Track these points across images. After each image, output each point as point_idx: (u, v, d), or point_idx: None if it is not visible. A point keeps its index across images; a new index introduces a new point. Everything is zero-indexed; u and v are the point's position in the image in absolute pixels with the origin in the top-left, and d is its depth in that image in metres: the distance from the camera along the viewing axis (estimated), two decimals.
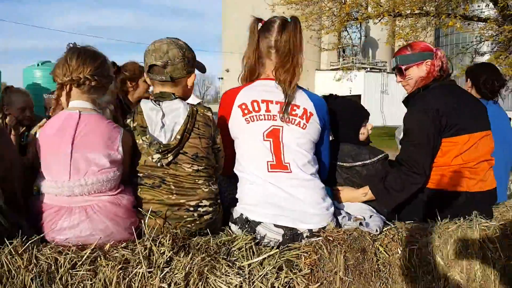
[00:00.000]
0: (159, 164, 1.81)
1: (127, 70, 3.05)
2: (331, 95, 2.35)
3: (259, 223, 1.84)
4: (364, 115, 2.29)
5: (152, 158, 1.81)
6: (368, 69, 36.52)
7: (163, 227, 1.76)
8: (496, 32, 8.53)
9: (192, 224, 1.83)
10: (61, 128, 1.71)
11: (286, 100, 1.91)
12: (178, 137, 1.81)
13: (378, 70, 36.98)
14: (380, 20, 9.54)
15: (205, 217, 1.85)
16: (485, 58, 10.13)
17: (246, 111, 1.94)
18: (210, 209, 1.86)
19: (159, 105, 1.88)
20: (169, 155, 1.80)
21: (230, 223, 1.94)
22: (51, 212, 1.69)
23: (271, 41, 1.97)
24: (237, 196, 1.96)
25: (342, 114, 2.22)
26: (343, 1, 10.18)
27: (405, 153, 2.13)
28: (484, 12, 10.15)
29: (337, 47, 14.71)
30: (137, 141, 1.84)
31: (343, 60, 36.66)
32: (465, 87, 2.98)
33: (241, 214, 1.89)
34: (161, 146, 1.80)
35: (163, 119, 1.86)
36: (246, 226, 1.86)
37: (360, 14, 9.84)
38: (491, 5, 9.10)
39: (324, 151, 2.10)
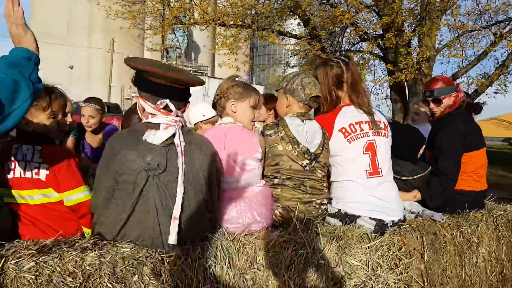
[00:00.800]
0: (306, 169, 2.14)
1: None
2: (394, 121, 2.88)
3: (358, 216, 2.22)
4: (423, 141, 2.86)
5: (302, 164, 2.13)
6: (191, 72, 37.45)
7: (297, 219, 2.03)
8: (306, 48, 9.67)
9: (317, 217, 2.18)
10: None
11: (375, 119, 2.37)
12: (321, 148, 2.19)
13: (200, 74, 38.15)
14: (206, 27, 10.09)
15: (324, 212, 2.23)
16: (295, 69, 11.35)
17: (346, 134, 2.31)
18: (326, 206, 2.25)
19: (304, 122, 2.24)
20: (313, 162, 2.16)
21: (327, 217, 2.26)
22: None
23: (343, 77, 2.40)
24: (333, 196, 2.30)
25: (407, 138, 2.77)
26: (169, 4, 10.38)
27: (442, 165, 2.73)
28: (295, 29, 11.26)
29: (162, 48, 14.85)
30: (285, 148, 2.12)
31: (167, 61, 36.69)
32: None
33: (339, 210, 2.24)
34: (312, 154, 2.15)
35: (307, 133, 2.20)
36: (346, 219, 2.21)
37: (187, 19, 10.21)
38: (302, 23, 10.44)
39: None
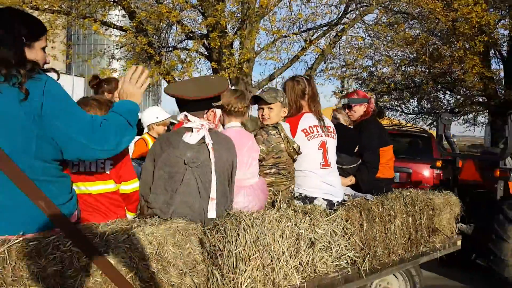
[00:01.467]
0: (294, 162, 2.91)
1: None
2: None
3: (315, 198, 2.93)
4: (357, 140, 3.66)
5: (294, 158, 2.86)
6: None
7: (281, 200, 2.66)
8: (132, 41, 9.75)
9: (291, 199, 2.92)
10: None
11: (324, 124, 3.10)
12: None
13: None
14: None
15: (293, 195, 2.97)
16: (121, 63, 11.53)
17: (306, 133, 3.00)
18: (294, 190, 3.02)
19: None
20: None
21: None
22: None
23: (306, 91, 3.10)
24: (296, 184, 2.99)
25: (348, 137, 3.55)
26: None
27: (367, 158, 3.61)
28: (120, 21, 11.09)
29: None
30: (286, 145, 2.79)
31: None
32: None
33: (300, 194, 2.96)
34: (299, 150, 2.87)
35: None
36: (306, 200, 2.93)
37: None
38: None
39: None
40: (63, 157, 1.75)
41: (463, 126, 19.60)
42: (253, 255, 2.16)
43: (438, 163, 5.95)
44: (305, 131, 3.03)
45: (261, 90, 3.20)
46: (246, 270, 2.12)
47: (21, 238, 1.56)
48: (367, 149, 3.68)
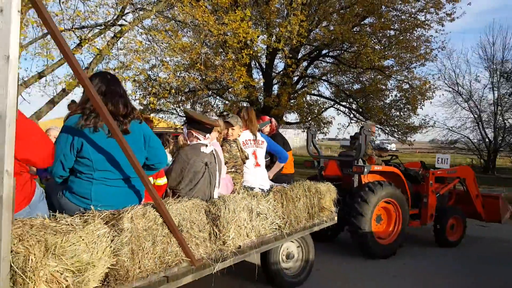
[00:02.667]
0: (244, 164, 4.29)
1: None
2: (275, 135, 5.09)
3: (254, 188, 4.37)
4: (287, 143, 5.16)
5: (245, 162, 4.29)
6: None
7: (240, 189, 4.06)
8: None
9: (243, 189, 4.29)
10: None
11: (256, 138, 4.52)
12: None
13: None
14: None
15: (243, 186, 4.34)
16: None
17: (244, 144, 4.39)
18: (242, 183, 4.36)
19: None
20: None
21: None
22: None
23: (245, 116, 4.51)
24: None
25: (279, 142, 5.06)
26: None
27: (280, 157, 5.14)
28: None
29: None
30: (240, 154, 4.19)
31: None
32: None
33: (245, 186, 4.34)
34: (248, 157, 4.23)
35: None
36: (248, 189, 4.33)
37: None
38: None
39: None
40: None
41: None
42: (232, 219, 3.56)
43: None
44: (244, 142, 4.49)
45: (228, 116, 4.53)
46: (230, 228, 3.51)
47: (141, 205, 2.79)
48: (277, 152, 5.32)
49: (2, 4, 1.89)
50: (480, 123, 29.88)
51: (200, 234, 3.26)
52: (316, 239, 5.69)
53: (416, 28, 16.72)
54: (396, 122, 18.72)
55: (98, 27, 10.43)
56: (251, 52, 12.08)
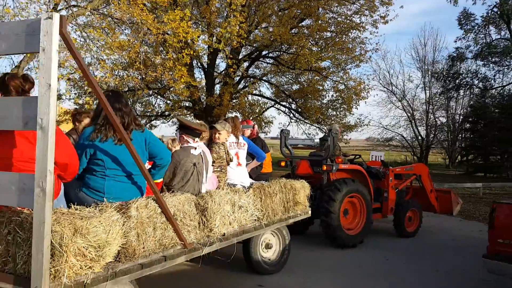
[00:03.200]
0: (229, 164, 5.02)
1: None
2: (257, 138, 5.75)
3: (236, 184, 5.03)
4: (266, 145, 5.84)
5: (229, 163, 5.01)
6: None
7: (224, 186, 4.72)
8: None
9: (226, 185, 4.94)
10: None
11: (238, 141, 5.19)
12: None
13: None
14: None
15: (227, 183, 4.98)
16: None
17: (229, 146, 5.04)
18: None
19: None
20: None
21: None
22: None
23: (230, 123, 5.18)
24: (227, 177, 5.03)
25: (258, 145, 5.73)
26: None
27: (258, 158, 5.80)
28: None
29: None
30: (226, 155, 4.84)
31: None
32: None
33: (228, 183, 5.00)
34: (233, 158, 4.89)
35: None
36: (231, 186, 4.99)
37: None
38: None
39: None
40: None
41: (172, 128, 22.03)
42: (218, 211, 4.22)
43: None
44: (228, 145, 5.16)
45: (217, 122, 5.19)
46: (216, 218, 4.17)
47: (144, 198, 3.44)
48: (257, 153, 6.01)
49: (44, 45, 2.53)
50: (413, 121, 31.40)
51: (191, 222, 3.91)
52: (290, 231, 6.38)
53: (351, 30, 17.22)
54: (333, 121, 19.03)
55: None
56: (192, 52, 12.13)
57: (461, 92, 30.99)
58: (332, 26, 17.26)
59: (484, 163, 25.41)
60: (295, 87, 20.40)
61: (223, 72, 17.60)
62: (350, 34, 17.44)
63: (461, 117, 31.02)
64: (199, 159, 4.27)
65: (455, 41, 41.46)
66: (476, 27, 29.23)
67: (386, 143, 32.27)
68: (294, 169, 8.15)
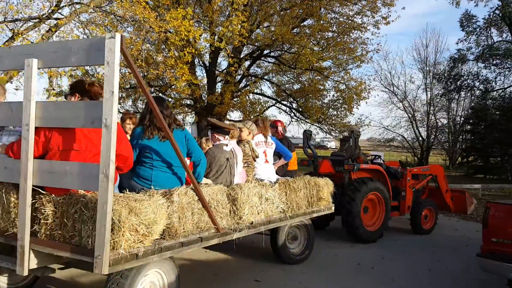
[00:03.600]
0: (255, 161, 5.57)
1: None
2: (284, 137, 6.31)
3: (263, 179, 5.58)
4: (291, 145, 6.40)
5: (256, 160, 5.50)
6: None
7: (253, 179, 5.29)
8: None
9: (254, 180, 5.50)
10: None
11: (267, 140, 5.74)
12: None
13: None
14: None
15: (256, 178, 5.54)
16: None
17: (256, 145, 5.59)
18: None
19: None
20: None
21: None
22: None
23: (258, 124, 5.74)
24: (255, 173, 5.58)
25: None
26: None
27: (286, 157, 6.35)
28: None
29: None
30: (252, 153, 5.42)
31: None
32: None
33: (256, 178, 5.54)
34: (258, 156, 5.48)
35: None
36: (259, 181, 5.53)
37: None
38: None
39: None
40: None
41: None
42: (246, 201, 4.78)
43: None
44: (256, 143, 5.71)
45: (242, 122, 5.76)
46: (245, 207, 4.72)
47: (184, 187, 4.02)
48: (284, 152, 6.54)
49: (108, 59, 3.14)
50: (414, 122, 31.17)
51: (223, 210, 4.48)
52: None
53: (353, 31, 17.11)
54: (333, 121, 19.06)
55: (32, 21, 10.18)
56: (194, 51, 12.13)
57: (462, 94, 30.88)
58: (334, 26, 17.22)
59: (484, 165, 25.08)
60: (296, 86, 20.31)
61: (225, 70, 17.37)
62: (351, 34, 17.38)
63: (462, 118, 30.85)
64: (230, 155, 4.84)
65: (457, 43, 40.93)
66: (477, 29, 29.01)
67: (387, 143, 32.20)
68: (316, 168, 8.63)
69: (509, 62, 28.10)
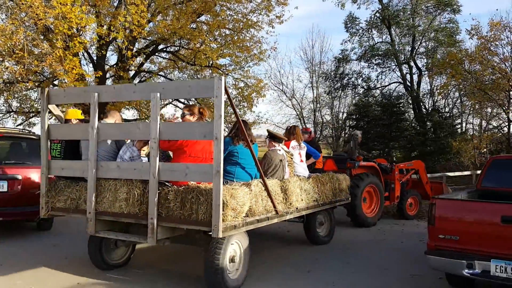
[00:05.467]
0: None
1: None
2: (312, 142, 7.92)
3: (300, 175, 7.16)
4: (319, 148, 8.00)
5: (292, 159, 6.97)
6: None
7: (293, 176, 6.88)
8: None
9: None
10: None
11: (300, 144, 7.35)
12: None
13: None
14: None
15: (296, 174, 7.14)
16: None
17: (292, 148, 7.20)
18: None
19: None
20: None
21: None
22: None
23: (293, 132, 7.36)
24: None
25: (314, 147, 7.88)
26: None
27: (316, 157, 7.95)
28: None
29: None
30: (287, 155, 6.97)
31: None
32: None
33: (296, 174, 7.13)
34: (292, 157, 7.06)
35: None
36: (296, 175, 7.12)
37: None
38: None
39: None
40: None
41: None
42: (293, 192, 6.35)
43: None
44: (293, 147, 7.30)
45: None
46: (292, 196, 6.29)
47: (255, 180, 5.59)
48: (313, 152, 8.15)
49: (216, 93, 4.69)
50: (301, 119, 32.96)
51: (279, 198, 6.03)
52: None
53: (249, 29, 16.83)
54: (233, 119, 17.68)
55: None
56: (85, 41, 11.24)
57: (347, 91, 32.59)
58: (231, 24, 16.69)
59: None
60: None
61: (116, 65, 16.00)
62: (247, 32, 17.05)
63: (345, 114, 32.65)
64: (282, 157, 6.41)
65: (341, 43, 42.33)
66: (360, 31, 30.80)
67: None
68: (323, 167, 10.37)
69: (389, 62, 30.31)
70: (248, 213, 5.32)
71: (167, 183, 5.09)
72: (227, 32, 16.87)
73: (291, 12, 38.46)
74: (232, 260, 5.37)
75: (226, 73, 17.81)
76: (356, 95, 32.62)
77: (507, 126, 25.39)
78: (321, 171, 8.39)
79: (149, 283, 5.64)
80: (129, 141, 5.66)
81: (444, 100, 30.84)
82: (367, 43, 30.91)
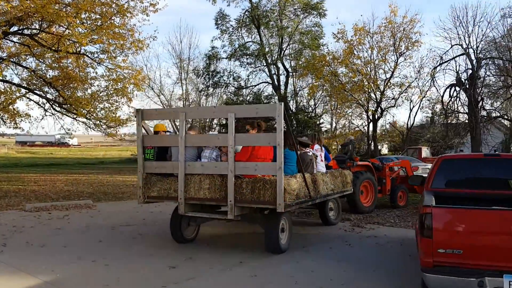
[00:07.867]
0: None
1: None
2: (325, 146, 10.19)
3: (320, 171, 9.42)
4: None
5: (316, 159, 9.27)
6: None
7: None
8: None
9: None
10: None
11: (321, 148, 9.64)
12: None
13: None
14: None
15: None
16: None
17: (315, 151, 9.48)
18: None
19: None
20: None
21: None
22: None
23: (319, 138, 9.67)
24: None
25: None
26: None
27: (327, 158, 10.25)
28: None
29: None
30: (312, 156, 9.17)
31: None
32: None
33: (318, 169, 9.40)
34: (316, 157, 9.33)
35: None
36: (319, 172, 9.39)
37: None
38: None
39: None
40: None
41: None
42: (319, 183, 8.60)
43: None
44: (316, 149, 9.56)
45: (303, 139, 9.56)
46: (319, 186, 8.54)
47: (298, 174, 7.82)
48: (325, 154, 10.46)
49: (277, 114, 6.90)
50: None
51: (311, 187, 8.27)
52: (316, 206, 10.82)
53: (122, 15, 14.94)
54: (105, 116, 17.21)
55: None
56: None
57: (218, 90, 33.29)
58: (98, 8, 14.35)
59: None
60: (52, 73, 16.89)
61: None
62: (117, 18, 15.08)
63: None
64: (312, 157, 8.65)
65: (212, 40, 42.54)
66: (230, 29, 31.48)
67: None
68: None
69: (258, 62, 31.50)
70: (296, 195, 7.55)
71: (240, 176, 7.26)
72: (98, 16, 14.64)
73: (166, 1, 36.15)
74: (282, 230, 7.60)
75: (99, 62, 16.07)
76: (227, 94, 33.02)
77: (367, 126, 28.54)
78: (331, 168, 10.69)
79: (214, 249, 7.85)
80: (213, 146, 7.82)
81: (308, 100, 32.66)
82: (237, 42, 31.34)
